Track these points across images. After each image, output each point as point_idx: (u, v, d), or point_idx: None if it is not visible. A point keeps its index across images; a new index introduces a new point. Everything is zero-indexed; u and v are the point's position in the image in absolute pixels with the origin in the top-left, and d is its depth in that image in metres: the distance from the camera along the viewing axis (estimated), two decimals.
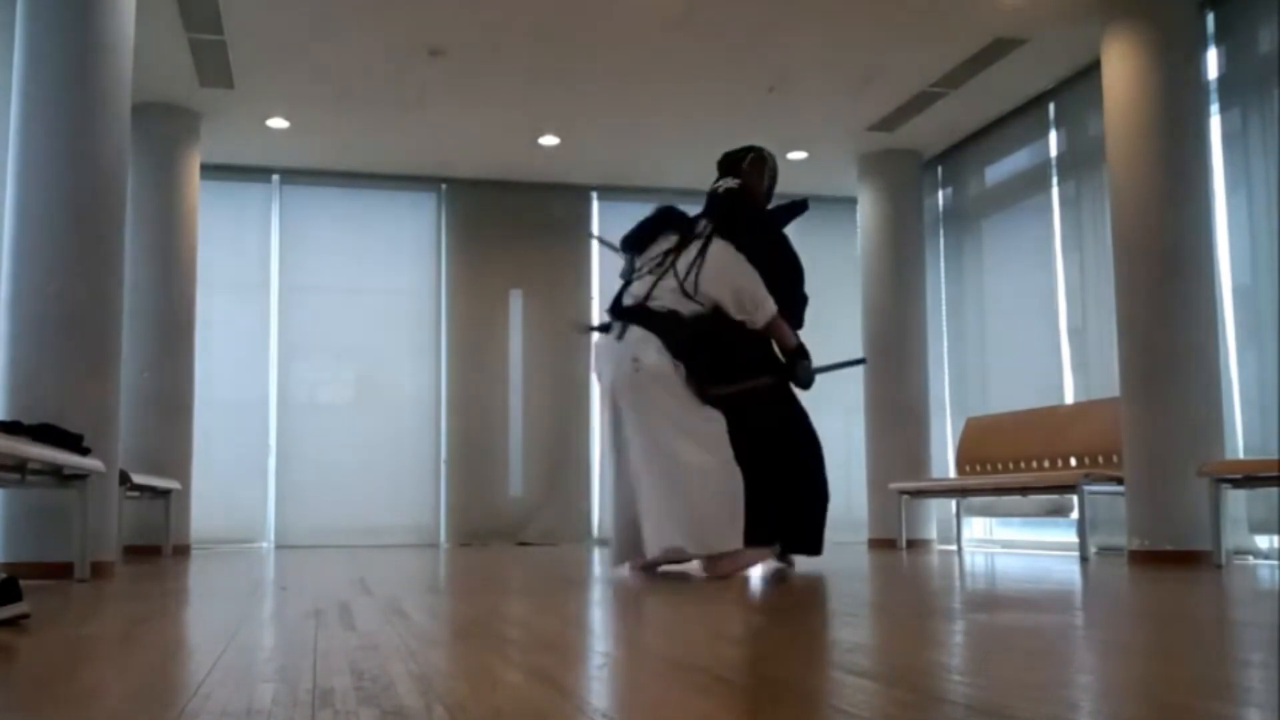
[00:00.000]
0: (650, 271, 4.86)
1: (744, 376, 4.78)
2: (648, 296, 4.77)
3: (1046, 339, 8.48)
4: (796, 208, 5.21)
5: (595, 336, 5.09)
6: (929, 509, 9.19)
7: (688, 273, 4.69)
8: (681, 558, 4.62)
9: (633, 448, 4.67)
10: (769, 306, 4.79)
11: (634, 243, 5.05)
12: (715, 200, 5.11)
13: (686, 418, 4.61)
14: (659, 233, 4.97)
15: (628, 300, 4.89)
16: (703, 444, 4.57)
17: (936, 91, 8.29)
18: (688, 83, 8.08)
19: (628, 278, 5.01)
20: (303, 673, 1.90)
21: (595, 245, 10.65)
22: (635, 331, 4.71)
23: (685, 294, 4.68)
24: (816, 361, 5.03)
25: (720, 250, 4.75)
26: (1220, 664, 2.18)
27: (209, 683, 1.81)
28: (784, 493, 4.79)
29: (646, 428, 4.62)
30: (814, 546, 4.93)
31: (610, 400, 4.79)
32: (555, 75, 8.00)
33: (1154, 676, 2.01)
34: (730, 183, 5.12)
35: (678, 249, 4.84)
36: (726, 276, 4.73)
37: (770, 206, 5.29)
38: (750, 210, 5.07)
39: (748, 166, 5.19)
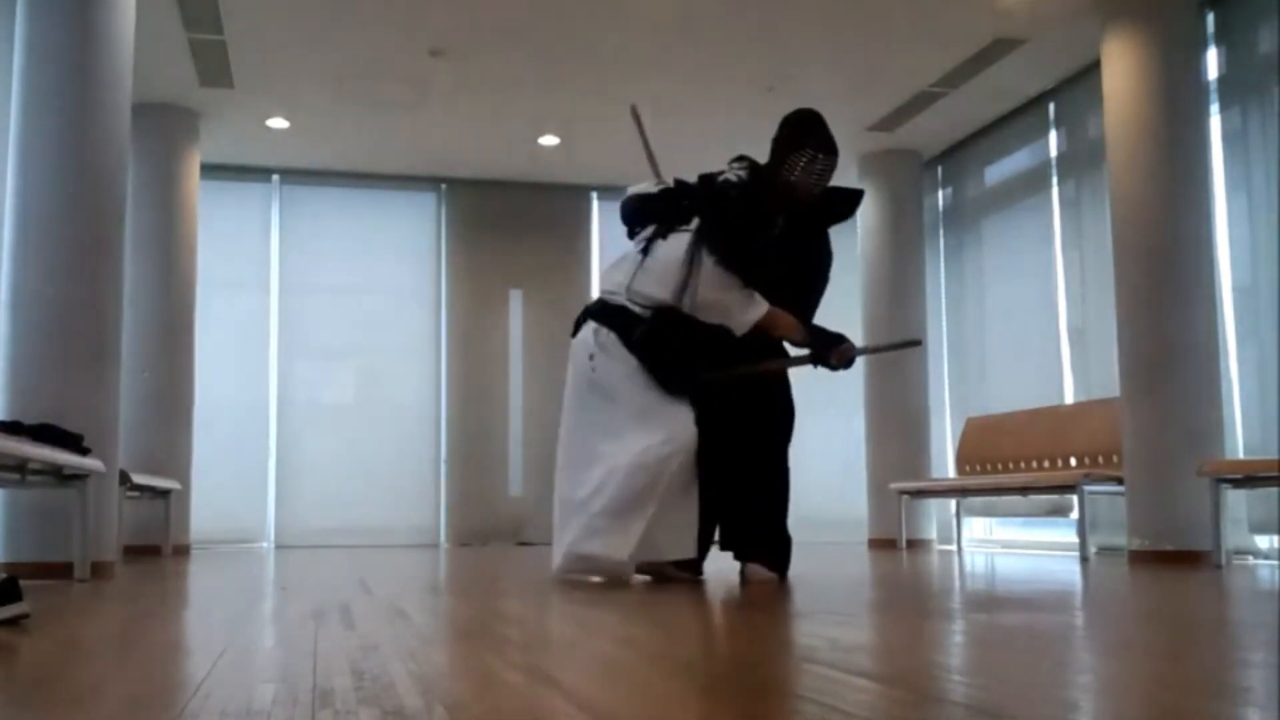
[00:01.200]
0: (631, 259, 4.48)
1: (728, 364, 4.39)
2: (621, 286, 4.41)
3: (1046, 339, 8.48)
4: (849, 204, 4.57)
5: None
6: (929, 509, 9.19)
7: (684, 286, 4.27)
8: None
9: (580, 454, 4.36)
10: (751, 312, 4.28)
11: (631, 219, 4.63)
12: (715, 193, 4.40)
13: (649, 412, 4.25)
14: (654, 217, 4.51)
15: (598, 291, 4.57)
16: (669, 437, 4.20)
17: (936, 91, 8.29)
18: (688, 83, 8.08)
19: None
20: (303, 673, 1.90)
21: (595, 244, 10.64)
22: (590, 328, 4.40)
23: (676, 296, 4.27)
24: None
25: (708, 269, 4.27)
26: (1220, 664, 2.18)
27: (209, 683, 1.81)
28: (753, 498, 4.44)
29: (598, 431, 4.31)
30: (780, 560, 4.44)
31: (568, 401, 4.48)
32: (555, 75, 8.00)
33: (1154, 676, 2.01)
34: (732, 175, 4.41)
35: (659, 235, 4.42)
36: (707, 293, 4.28)
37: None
38: (747, 211, 4.35)
39: (802, 166, 4.31)
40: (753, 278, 4.30)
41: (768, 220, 4.38)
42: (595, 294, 10.54)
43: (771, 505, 4.48)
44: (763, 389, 4.47)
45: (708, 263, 4.27)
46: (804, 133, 4.36)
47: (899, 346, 5.45)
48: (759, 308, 4.28)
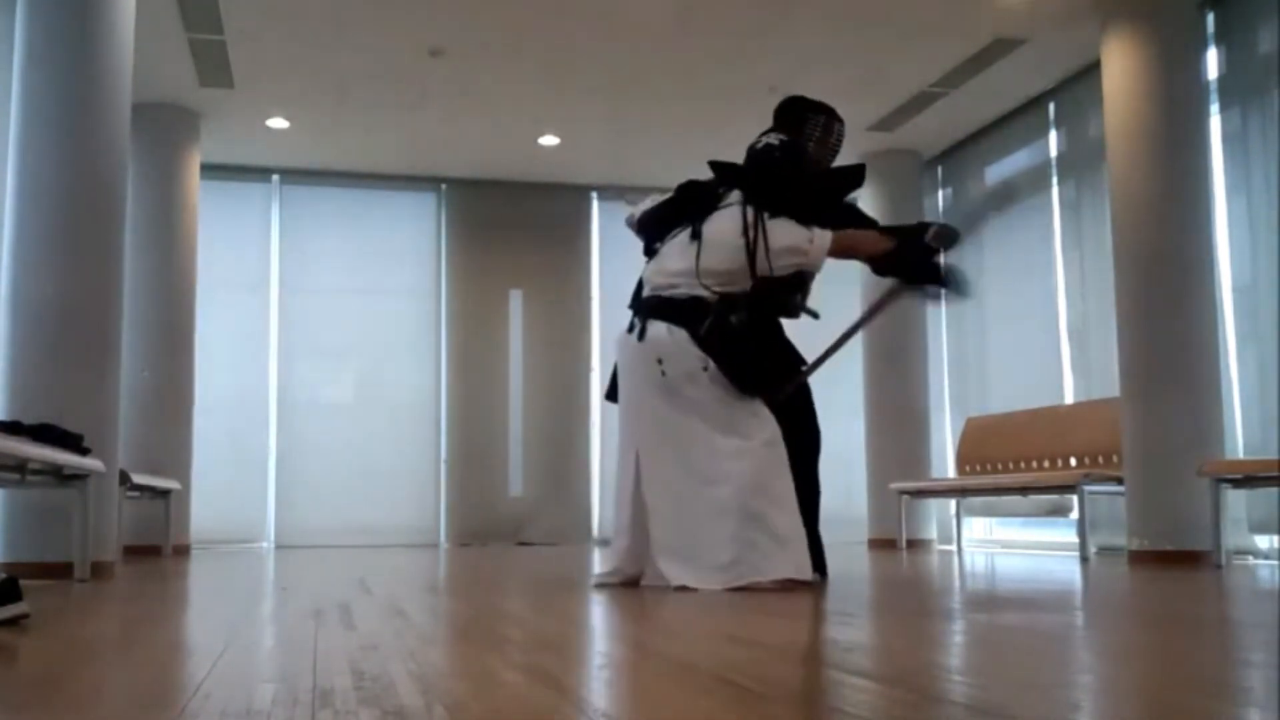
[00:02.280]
0: (680, 247, 4.24)
1: (792, 363, 4.23)
2: (670, 283, 4.18)
3: (1046, 339, 8.48)
4: (852, 178, 4.47)
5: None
6: (929, 509, 9.19)
7: (753, 247, 4.08)
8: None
9: (655, 465, 4.10)
10: (821, 241, 4.13)
11: (655, 227, 4.40)
12: (751, 160, 4.37)
13: (732, 415, 4.04)
14: (683, 215, 4.32)
15: (647, 289, 4.28)
16: (754, 438, 4.01)
17: (936, 91, 8.29)
18: (688, 83, 8.08)
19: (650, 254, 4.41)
20: (303, 673, 1.90)
21: (595, 244, 10.65)
22: (657, 327, 4.13)
23: (752, 271, 4.08)
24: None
25: (769, 224, 4.12)
26: (1220, 664, 2.18)
27: (209, 683, 1.81)
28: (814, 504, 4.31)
29: (675, 441, 4.07)
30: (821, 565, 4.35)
31: (633, 407, 4.22)
32: (555, 75, 8.00)
33: (1154, 676, 2.01)
34: (772, 139, 4.38)
35: (699, 220, 4.24)
36: (778, 241, 4.12)
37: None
38: (794, 171, 4.31)
39: (816, 137, 4.42)
40: (808, 218, 4.21)
41: (809, 179, 4.34)
42: (596, 297, 10.72)
43: (813, 522, 4.32)
44: (791, 411, 4.28)
45: (765, 218, 4.15)
46: (808, 106, 4.50)
47: (982, 214, 4.90)
48: (826, 235, 4.15)
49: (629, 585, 4.12)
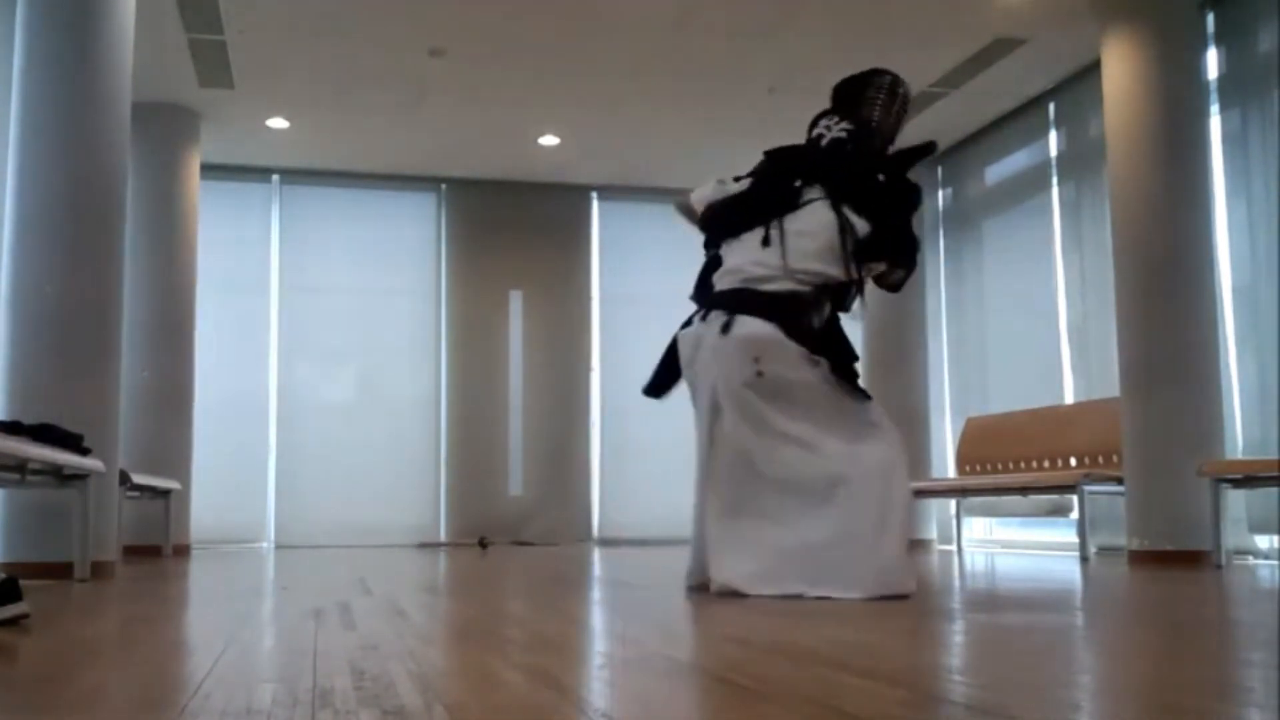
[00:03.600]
0: (753, 245, 3.95)
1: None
2: (757, 275, 3.88)
3: (1046, 339, 8.48)
4: (922, 150, 4.26)
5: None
6: (929, 509, 9.19)
7: (845, 253, 3.87)
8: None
9: (746, 466, 3.75)
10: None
11: (721, 224, 4.12)
12: (821, 155, 4.14)
13: (845, 419, 3.76)
14: (756, 214, 4.02)
15: (726, 282, 3.94)
16: (870, 444, 3.71)
17: (936, 91, 8.29)
18: (688, 83, 8.08)
19: (713, 251, 4.12)
20: (303, 673, 1.90)
21: (595, 244, 10.65)
22: (750, 322, 3.78)
23: (848, 272, 3.86)
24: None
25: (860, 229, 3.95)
26: (1220, 664, 2.18)
27: (209, 683, 1.81)
28: None
29: (781, 443, 3.73)
30: None
31: (714, 405, 3.82)
32: (555, 75, 8.00)
33: (1154, 676, 2.01)
34: (839, 132, 4.15)
35: (780, 213, 3.96)
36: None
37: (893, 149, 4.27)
38: (868, 160, 4.11)
39: (881, 102, 4.19)
40: (888, 208, 4.05)
41: (881, 162, 4.15)
42: (596, 297, 10.66)
43: None
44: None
45: (858, 223, 3.94)
46: (865, 76, 4.27)
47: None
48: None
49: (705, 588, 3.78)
